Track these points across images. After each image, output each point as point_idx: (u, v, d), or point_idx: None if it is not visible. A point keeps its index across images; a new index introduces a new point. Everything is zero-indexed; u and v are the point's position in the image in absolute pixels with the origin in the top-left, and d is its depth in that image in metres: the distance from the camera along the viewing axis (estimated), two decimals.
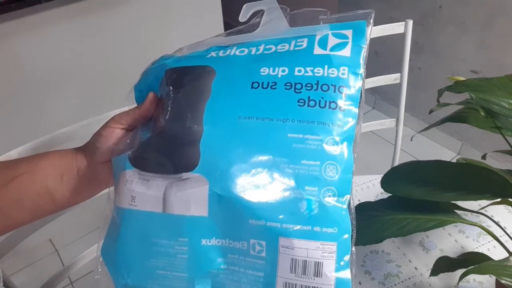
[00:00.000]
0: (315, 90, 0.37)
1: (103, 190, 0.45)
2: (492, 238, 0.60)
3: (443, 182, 0.57)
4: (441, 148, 1.97)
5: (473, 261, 0.57)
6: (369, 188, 0.92)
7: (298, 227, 0.35)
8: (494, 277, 0.68)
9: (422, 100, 1.93)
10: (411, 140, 0.87)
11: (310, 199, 0.35)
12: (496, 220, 0.65)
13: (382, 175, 0.62)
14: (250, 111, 0.37)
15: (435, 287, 0.70)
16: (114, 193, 0.40)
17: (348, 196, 0.37)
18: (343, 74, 0.38)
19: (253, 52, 0.41)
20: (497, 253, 0.72)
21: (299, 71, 0.38)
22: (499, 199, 0.60)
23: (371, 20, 0.41)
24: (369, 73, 1.09)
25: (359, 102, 0.38)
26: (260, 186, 0.36)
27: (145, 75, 0.45)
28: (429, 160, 0.60)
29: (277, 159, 0.36)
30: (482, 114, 0.58)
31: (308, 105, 0.37)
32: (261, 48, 0.41)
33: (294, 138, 0.36)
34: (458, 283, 0.50)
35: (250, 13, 0.43)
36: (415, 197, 0.57)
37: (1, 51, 1.22)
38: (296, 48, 0.40)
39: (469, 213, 0.65)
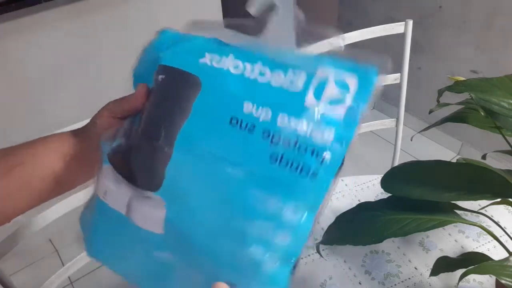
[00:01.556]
0: (291, 147, 0.33)
1: None
2: (492, 238, 0.60)
3: (443, 182, 0.57)
4: (441, 148, 1.97)
5: (473, 261, 0.57)
6: (369, 188, 0.93)
7: (240, 281, 0.35)
8: (494, 277, 0.68)
9: (422, 100, 1.93)
10: (411, 140, 0.87)
11: (255, 258, 0.34)
12: (496, 220, 0.65)
13: (382, 175, 0.62)
14: (222, 150, 0.35)
15: (435, 287, 0.70)
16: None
17: (295, 259, 0.35)
18: (327, 138, 0.33)
19: (246, 74, 0.36)
20: (497, 253, 0.72)
21: (282, 118, 0.34)
22: (499, 199, 0.60)
23: (385, 71, 0.35)
24: None
25: (337, 172, 0.34)
26: (212, 230, 0.35)
27: (144, 57, 0.43)
28: (429, 160, 0.60)
29: (235, 210, 0.35)
30: (482, 114, 0.58)
31: (279, 164, 0.34)
32: (256, 69, 0.36)
33: (256, 195, 0.34)
34: (458, 283, 0.50)
35: (260, 4, 0.40)
36: (415, 197, 0.57)
37: (1, 51, 1.22)
38: (289, 87, 0.35)
39: (469, 213, 0.65)
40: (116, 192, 0.39)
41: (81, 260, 0.80)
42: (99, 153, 0.42)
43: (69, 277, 1.52)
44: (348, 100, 0.34)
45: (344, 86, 0.34)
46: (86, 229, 0.43)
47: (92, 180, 0.43)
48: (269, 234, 0.34)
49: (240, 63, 0.37)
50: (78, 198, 0.77)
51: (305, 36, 0.38)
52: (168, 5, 1.47)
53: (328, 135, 0.33)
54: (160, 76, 0.40)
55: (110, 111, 0.43)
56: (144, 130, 0.39)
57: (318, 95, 0.34)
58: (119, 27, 1.40)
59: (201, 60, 0.38)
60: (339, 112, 0.33)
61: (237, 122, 0.35)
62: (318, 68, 0.35)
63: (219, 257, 0.35)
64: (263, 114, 0.34)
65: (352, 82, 0.34)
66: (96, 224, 0.42)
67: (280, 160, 0.34)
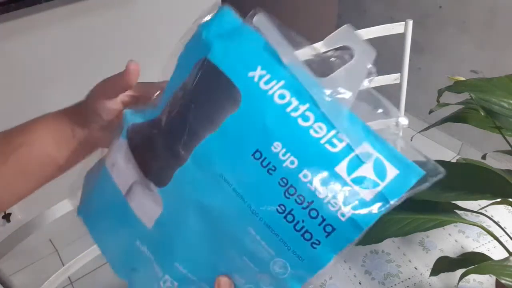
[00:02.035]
0: (303, 207, 0.31)
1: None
2: (492, 238, 0.60)
3: (443, 182, 0.57)
4: (441, 148, 1.97)
5: (473, 261, 0.57)
6: None
7: None
8: (494, 277, 0.68)
9: (422, 100, 1.93)
10: (411, 140, 0.87)
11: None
12: (496, 220, 0.65)
13: None
14: (234, 178, 0.33)
15: (435, 287, 0.70)
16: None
17: None
18: (342, 215, 0.30)
19: (289, 109, 0.33)
20: (497, 253, 0.72)
21: (305, 176, 0.31)
22: (499, 199, 0.60)
23: (432, 179, 0.32)
24: None
25: (341, 251, 0.31)
26: (194, 251, 0.36)
27: (196, 35, 0.38)
28: None
29: (223, 240, 0.34)
30: (482, 114, 0.58)
31: (285, 218, 0.31)
32: (300, 109, 0.33)
33: (251, 235, 0.32)
34: (458, 283, 0.50)
35: (341, 43, 0.34)
36: (415, 197, 0.56)
37: (1, 51, 1.22)
38: (326, 144, 0.31)
39: (469, 213, 0.65)
40: (123, 169, 0.38)
41: (81, 260, 0.80)
42: (106, 133, 0.42)
43: (69, 277, 1.52)
44: (379, 188, 0.30)
45: (381, 173, 0.31)
46: (86, 188, 0.42)
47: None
48: (252, 275, 0.33)
49: (288, 94, 0.33)
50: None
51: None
52: (167, 5, 1.47)
53: (344, 213, 0.30)
54: (202, 73, 0.36)
55: (104, 95, 0.41)
56: (168, 125, 0.37)
57: (351, 169, 0.31)
58: (118, 27, 1.39)
59: (250, 74, 0.34)
60: (365, 195, 0.30)
61: (260, 158, 0.32)
62: (364, 143, 0.31)
63: (197, 271, 0.36)
64: (289, 161, 0.31)
65: (391, 173, 0.31)
66: (96, 190, 0.41)
67: (286, 215, 0.31)
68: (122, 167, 0.38)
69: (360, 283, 0.72)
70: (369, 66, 0.33)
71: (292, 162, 0.31)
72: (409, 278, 0.72)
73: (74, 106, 0.43)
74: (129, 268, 0.39)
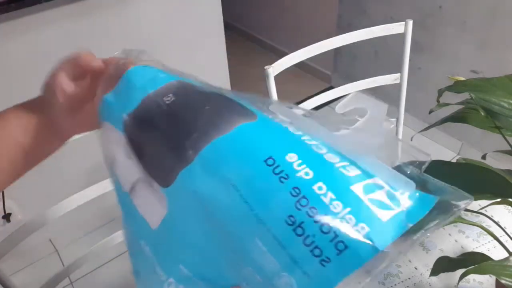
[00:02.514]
0: (315, 221, 0.28)
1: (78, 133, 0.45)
2: (492, 238, 0.60)
3: (443, 182, 0.57)
4: (441, 148, 1.97)
5: (473, 261, 0.57)
6: None
7: None
8: (494, 277, 0.68)
9: (422, 100, 1.93)
10: (411, 140, 0.87)
11: None
12: (496, 220, 0.65)
13: None
14: (242, 184, 0.31)
15: (435, 287, 0.70)
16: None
17: None
18: (357, 233, 0.28)
19: (303, 137, 0.33)
20: (497, 253, 0.72)
21: (320, 188, 0.29)
22: (499, 199, 0.60)
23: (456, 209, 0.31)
24: (369, 73, 1.10)
25: (352, 273, 0.29)
26: (198, 258, 0.34)
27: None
28: None
29: (231, 249, 0.32)
30: (482, 114, 0.58)
31: (293, 231, 0.29)
32: (314, 142, 0.33)
33: (257, 246, 0.30)
34: (458, 283, 0.50)
35: (353, 106, 0.35)
36: None
37: (1, 51, 1.22)
38: (340, 169, 0.31)
39: (469, 213, 0.65)
40: (123, 165, 0.36)
41: (81, 260, 0.80)
42: (70, 119, 0.41)
43: (69, 277, 1.52)
44: (397, 210, 0.29)
45: (395, 199, 0.30)
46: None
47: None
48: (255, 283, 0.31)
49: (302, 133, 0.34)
50: (78, 198, 0.77)
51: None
52: (167, 5, 1.47)
53: (359, 230, 0.28)
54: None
55: (67, 74, 0.41)
56: (175, 122, 0.35)
57: (367, 191, 0.30)
58: (119, 27, 1.40)
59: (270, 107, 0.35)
60: (382, 216, 0.29)
61: (272, 165, 0.31)
62: (376, 177, 0.31)
63: (197, 270, 0.34)
64: (303, 172, 0.30)
65: (404, 202, 0.30)
66: (114, 184, 0.40)
67: (296, 227, 0.29)
68: (122, 163, 0.36)
69: (359, 283, 0.72)
70: (384, 118, 0.34)
71: (306, 174, 0.30)
72: (409, 278, 0.72)
73: (36, 100, 0.44)
74: (135, 269, 0.38)
